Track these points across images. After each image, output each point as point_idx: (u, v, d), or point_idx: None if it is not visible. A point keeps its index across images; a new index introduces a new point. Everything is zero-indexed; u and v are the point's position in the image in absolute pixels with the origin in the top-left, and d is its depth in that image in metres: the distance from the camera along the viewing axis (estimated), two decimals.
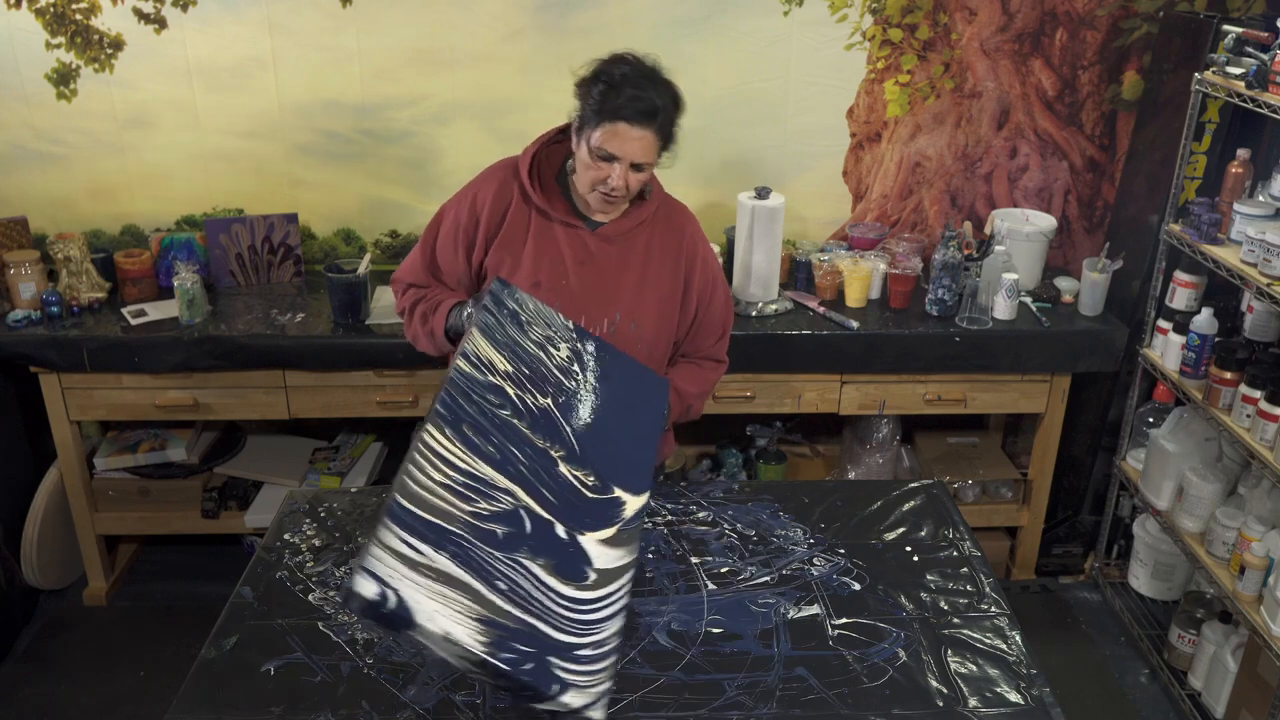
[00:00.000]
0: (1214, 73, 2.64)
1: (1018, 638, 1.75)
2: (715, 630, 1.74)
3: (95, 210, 3.25)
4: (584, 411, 1.80)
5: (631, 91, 1.84)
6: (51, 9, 2.98)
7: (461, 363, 1.73)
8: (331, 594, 1.85)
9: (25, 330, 2.88)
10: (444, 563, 1.48)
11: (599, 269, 2.02)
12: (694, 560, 1.91)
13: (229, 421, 3.39)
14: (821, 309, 3.02)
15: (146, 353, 2.86)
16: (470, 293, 2.16)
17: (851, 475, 3.35)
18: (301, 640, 1.72)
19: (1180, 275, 2.88)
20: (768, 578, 1.87)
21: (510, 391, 1.74)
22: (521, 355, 1.79)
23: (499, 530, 1.57)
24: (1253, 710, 2.59)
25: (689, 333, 2.13)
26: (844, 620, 1.78)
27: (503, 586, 1.51)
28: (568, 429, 1.76)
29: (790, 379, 3.01)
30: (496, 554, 1.54)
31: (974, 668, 1.68)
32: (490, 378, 1.73)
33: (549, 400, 1.77)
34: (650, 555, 1.92)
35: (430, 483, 1.56)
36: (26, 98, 3.08)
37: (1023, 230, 3.11)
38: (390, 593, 1.42)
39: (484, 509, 1.58)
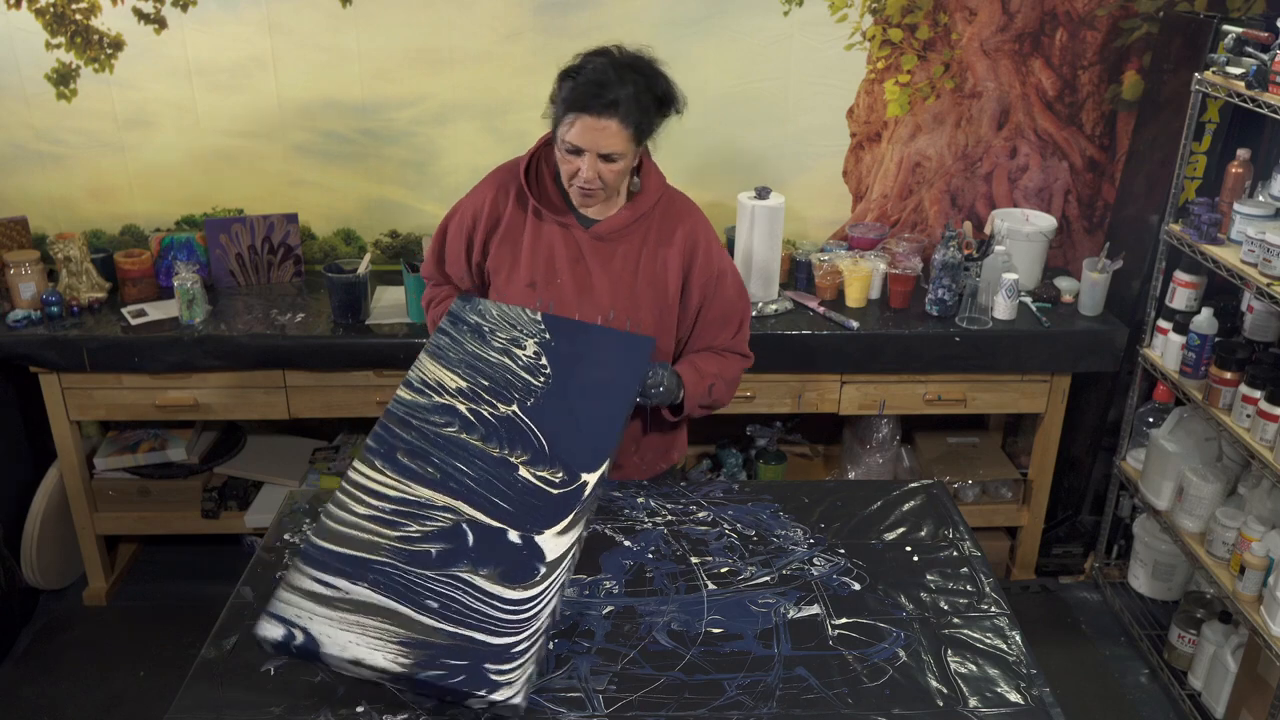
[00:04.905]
0: (1214, 73, 2.64)
1: (1018, 638, 1.75)
2: (715, 630, 1.74)
3: (95, 210, 3.25)
4: (554, 406, 1.80)
5: (594, 83, 1.85)
6: (51, 9, 2.98)
7: (403, 391, 1.77)
8: None
9: (25, 330, 2.88)
10: (363, 593, 1.53)
11: (591, 267, 2.03)
12: (694, 560, 1.91)
13: (229, 421, 3.39)
14: (821, 309, 3.02)
15: (146, 353, 2.86)
16: (475, 292, 2.17)
17: (851, 475, 3.35)
18: None
19: (1180, 275, 2.88)
20: (768, 578, 1.87)
21: (461, 408, 1.76)
22: (481, 368, 1.82)
23: (433, 549, 1.59)
24: (1253, 710, 2.59)
25: (695, 327, 2.12)
26: (844, 620, 1.77)
27: (434, 605, 1.53)
28: (535, 431, 1.76)
29: (790, 379, 3.01)
30: (428, 573, 1.57)
31: (974, 668, 1.68)
32: (437, 399, 1.77)
33: (513, 407, 1.78)
34: (650, 555, 1.92)
35: (354, 518, 1.61)
36: (26, 98, 3.08)
37: (1023, 230, 3.11)
38: (297, 631, 1.49)
39: (415, 532, 1.61)
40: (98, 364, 2.87)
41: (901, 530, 2.04)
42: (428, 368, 1.82)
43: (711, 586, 1.85)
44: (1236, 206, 2.57)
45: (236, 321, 2.95)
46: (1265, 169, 2.69)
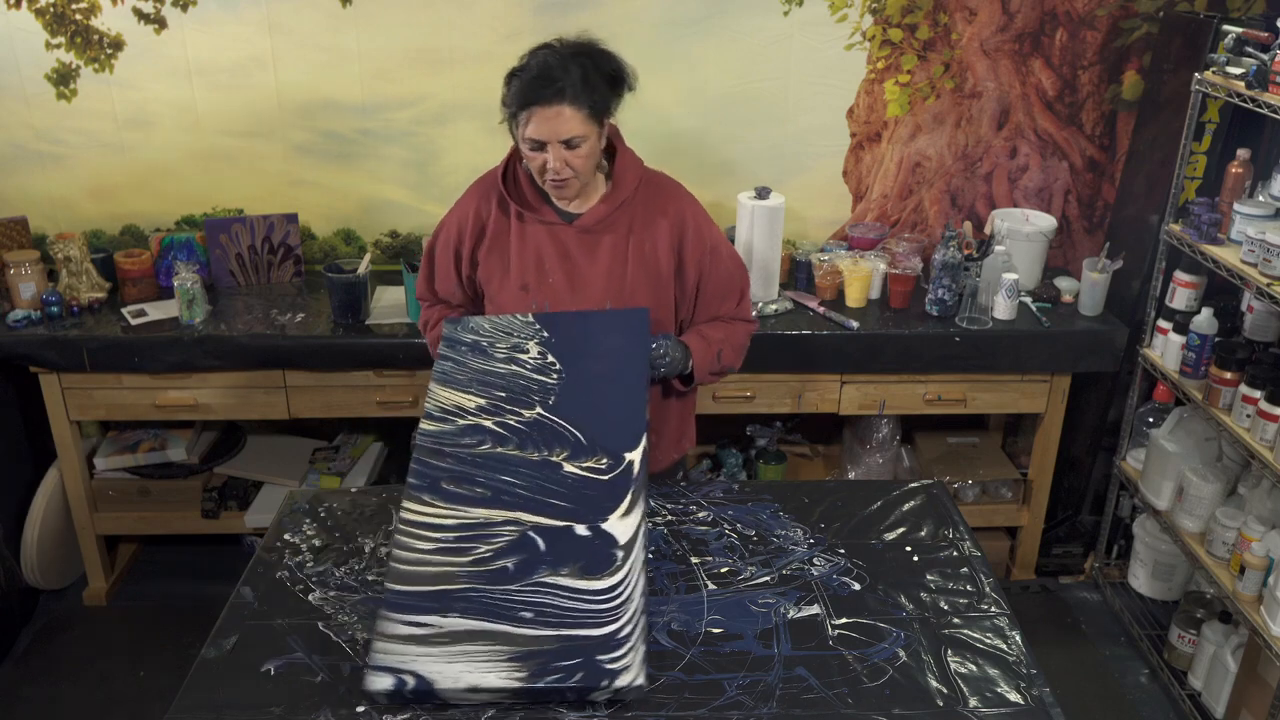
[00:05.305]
0: (1214, 73, 2.64)
1: (1018, 638, 1.75)
2: (715, 630, 1.74)
3: (95, 210, 3.25)
4: (575, 398, 1.82)
5: (538, 76, 1.87)
6: (51, 9, 2.98)
7: (426, 423, 1.78)
8: (331, 594, 1.85)
9: (25, 330, 2.88)
10: (456, 623, 1.54)
11: (581, 261, 2.03)
12: (694, 560, 1.91)
13: (229, 421, 3.39)
14: (821, 309, 3.02)
15: (146, 353, 2.86)
16: (470, 306, 2.18)
17: (851, 475, 3.35)
18: (301, 640, 1.72)
19: (1180, 275, 2.88)
20: (768, 578, 1.87)
21: (487, 424, 1.77)
22: (493, 381, 1.84)
23: (509, 564, 1.61)
24: (1253, 710, 2.59)
25: (696, 304, 2.13)
26: (844, 620, 1.77)
27: (528, 615, 1.55)
28: (566, 426, 1.78)
29: (790, 379, 3.01)
30: (512, 587, 1.58)
31: (974, 668, 1.68)
32: (461, 422, 1.78)
33: (536, 410, 1.79)
34: (650, 555, 1.92)
35: (421, 555, 1.62)
36: (26, 98, 3.08)
37: (1023, 230, 3.11)
38: (406, 677, 1.49)
39: (485, 552, 1.62)
40: (98, 364, 2.87)
41: (901, 530, 2.04)
42: (441, 395, 1.82)
43: (711, 586, 1.85)
44: (1236, 206, 2.57)
45: (236, 321, 2.95)
46: (1265, 169, 2.69)
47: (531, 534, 1.64)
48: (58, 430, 3.00)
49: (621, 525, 1.65)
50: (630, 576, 1.59)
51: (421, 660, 1.51)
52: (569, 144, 1.89)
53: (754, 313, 2.93)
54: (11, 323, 2.89)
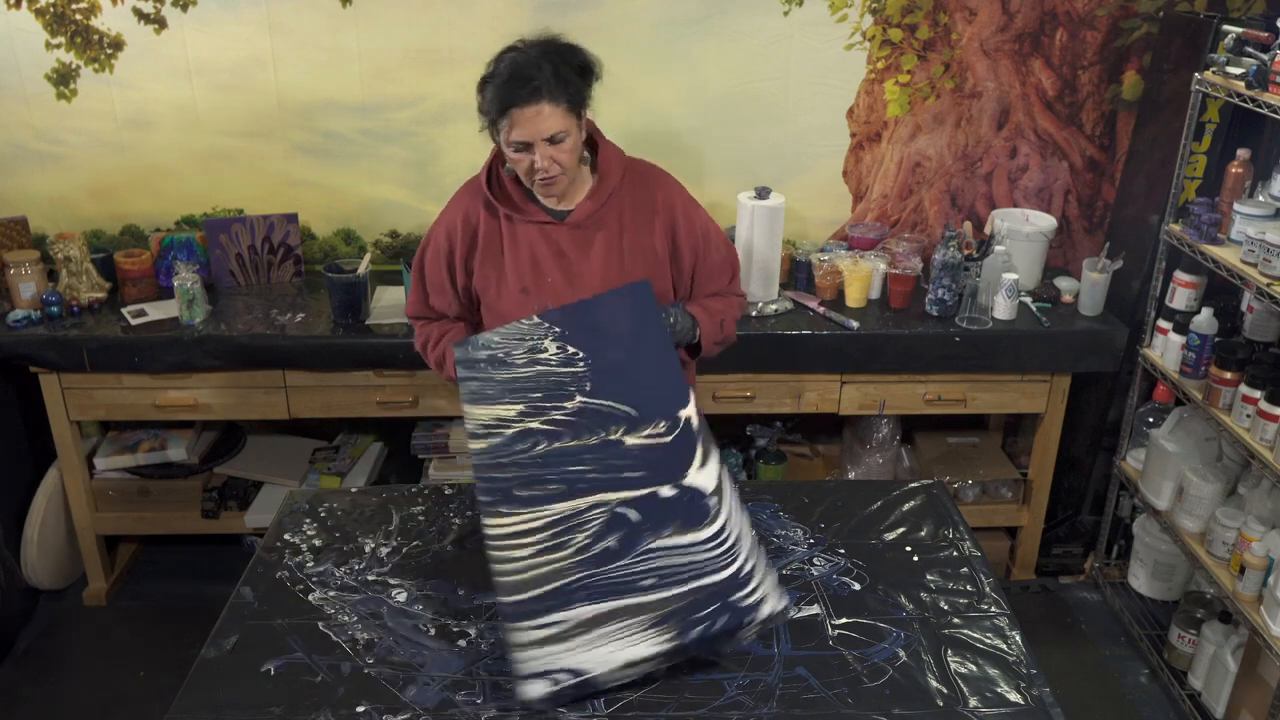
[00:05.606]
0: (1214, 73, 2.64)
1: (1018, 638, 1.75)
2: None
3: (95, 210, 3.25)
4: (610, 378, 1.82)
5: (507, 77, 1.87)
6: (51, 9, 2.98)
7: (474, 443, 1.78)
8: (331, 594, 1.84)
9: (25, 330, 2.88)
10: (583, 611, 1.57)
11: (576, 258, 2.04)
12: None
13: (229, 421, 3.39)
14: (821, 309, 3.02)
15: (146, 353, 2.86)
16: (467, 315, 2.17)
17: (851, 475, 3.35)
18: (301, 640, 1.72)
19: (1180, 275, 2.88)
20: None
21: (535, 425, 1.77)
22: (523, 386, 1.83)
23: (611, 543, 1.62)
24: (1253, 710, 2.59)
25: (693, 285, 2.15)
26: (844, 620, 1.78)
27: (650, 582, 1.58)
28: (612, 405, 1.78)
29: (790, 379, 3.00)
30: (623, 563, 1.60)
31: (974, 668, 1.68)
32: (508, 432, 1.77)
33: (577, 400, 1.80)
34: None
35: (523, 562, 1.63)
36: (26, 98, 3.08)
37: (1023, 230, 3.11)
38: (559, 675, 1.53)
39: (584, 539, 1.63)
40: (98, 364, 2.87)
41: (901, 530, 2.04)
42: (478, 414, 1.82)
43: None
44: (1236, 206, 2.57)
45: (236, 321, 2.95)
46: (1265, 169, 2.69)
47: (620, 510, 1.65)
48: (58, 430, 3.00)
49: (702, 476, 1.67)
50: (732, 518, 1.63)
51: (567, 655, 1.53)
52: (553, 140, 1.90)
53: (754, 313, 2.96)
54: (11, 323, 2.89)
